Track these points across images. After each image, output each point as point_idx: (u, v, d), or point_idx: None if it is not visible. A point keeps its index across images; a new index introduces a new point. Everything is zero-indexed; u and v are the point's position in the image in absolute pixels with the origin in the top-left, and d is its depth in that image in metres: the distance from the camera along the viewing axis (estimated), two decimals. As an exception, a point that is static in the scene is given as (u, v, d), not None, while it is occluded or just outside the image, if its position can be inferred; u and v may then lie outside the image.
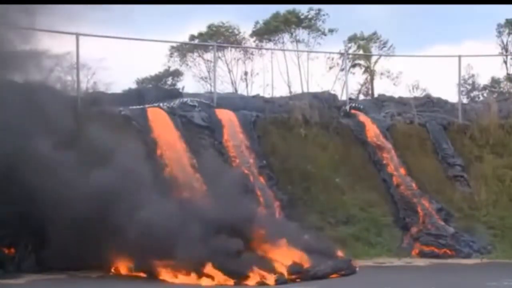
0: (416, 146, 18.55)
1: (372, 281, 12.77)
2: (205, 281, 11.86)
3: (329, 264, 12.98)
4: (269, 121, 17.95)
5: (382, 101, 20.62)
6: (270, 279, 11.95)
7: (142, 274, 12.50)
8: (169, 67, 23.98)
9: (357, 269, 13.50)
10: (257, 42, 24.17)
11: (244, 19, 33.61)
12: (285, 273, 12.24)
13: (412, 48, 36.81)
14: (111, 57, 18.91)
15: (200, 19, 32.96)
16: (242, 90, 22.88)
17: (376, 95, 22.59)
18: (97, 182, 12.34)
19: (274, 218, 15.46)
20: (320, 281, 12.36)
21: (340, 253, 13.98)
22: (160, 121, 16.46)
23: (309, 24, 23.79)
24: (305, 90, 21.43)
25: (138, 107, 16.79)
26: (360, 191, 17.26)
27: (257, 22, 23.74)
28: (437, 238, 16.17)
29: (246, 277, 11.91)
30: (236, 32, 23.90)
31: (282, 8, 23.68)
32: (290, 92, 21.99)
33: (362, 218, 16.65)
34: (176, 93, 18.89)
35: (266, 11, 24.87)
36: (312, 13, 23.89)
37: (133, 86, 21.86)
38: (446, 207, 17.18)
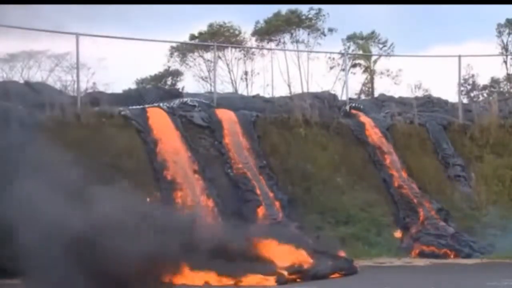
0: (416, 146, 18.56)
1: (372, 281, 12.77)
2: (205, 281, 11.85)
3: (329, 264, 12.97)
4: (269, 121, 17.95)
5: (382, 101, 20.64)
6: (270, 279, 11.94)
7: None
8: (169, 67, 24.00)
9: (358, 269, 13.49)
10: (257, 42, 24.20)
11: (245, 19, 33.71)
12: (285, 273, 12.22)
13: (412, 48, 36.91)
14: (111, 57, 18.98)
15: (201, 19, 33.01)
16: (242, 90, 22.92)
17: (376, 95, 22.62)
18: None
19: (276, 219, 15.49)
20: (320, 281, 12.35)
21: (341, 253, 13.97)
22: (160, 121, 16.47)
23: (310, 24, 23.81)
24: (305, 90, 21.44)
25: (138, 107, 16.81)
26: (360, 191, 17.26)
27: (257, 22, 23.79)
28: (437, 238, 16.16)
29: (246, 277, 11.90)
30: (237, 32, 23.93)
31: (284, 8, 23.77)
32: (290, 92, 22.02)
33: (362, 218, 16.64)
34: (176, 93, 18.92)
35: (267, 11, 24.91)
36: (313, 12, 23.93)
37: (133, 86, 21.94)
38: (446, 207, 17.18)
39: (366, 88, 24.24)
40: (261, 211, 15.66)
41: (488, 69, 24.11)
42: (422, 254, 15.85)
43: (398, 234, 16.54)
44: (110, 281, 10.08)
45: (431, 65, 23.89)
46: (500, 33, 24.62)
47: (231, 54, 23.23)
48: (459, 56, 20.19)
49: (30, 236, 9.97)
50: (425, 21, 32.62)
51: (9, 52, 17.69)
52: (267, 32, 23.66)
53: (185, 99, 17.71)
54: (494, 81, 24.77)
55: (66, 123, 15.43)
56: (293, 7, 23.79)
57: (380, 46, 24.59)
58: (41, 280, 10.02)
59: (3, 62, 17.71)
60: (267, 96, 20.78)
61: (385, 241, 16.26)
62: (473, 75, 24.33)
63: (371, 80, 24.14)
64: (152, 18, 29.40)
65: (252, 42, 24.22)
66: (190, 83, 26.59)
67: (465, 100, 22.40)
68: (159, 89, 19.92)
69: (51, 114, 15.30)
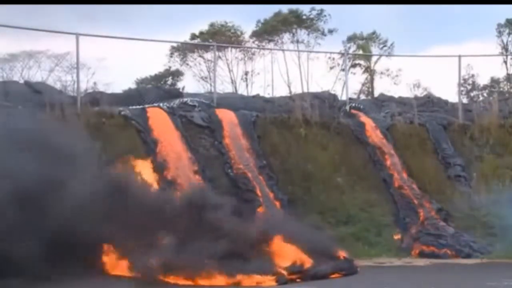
0: (416, 146, 18.56)
1: (372, 281, 12.77)
2: (204, 281, 11.84)
3: (329, 264, 12.97)
4: (269, 121, 17.96)
5: (382, 101, 20.65)
6: (271, 279, 11.93)
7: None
8: (169, 67, 23.99)
9: (358, 269, 13.49)
10: (257, 42, 24.19)
11: (246, 19, 33.77)
12: (285, 273, 12.22)
13: (412, 48, 36.96)
14: (111, 57, 19.01)
15: (201, 19, 33.01)
16: (242, 90, 22.92)
17: (376, 95, 22.63)
18: None
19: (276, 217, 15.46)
20: (320, 281, 12.35)
21: (342, 253, 13.96)
22: (160, 121, 16.47)
23: (310, 24, 23.81)
24: (305, 90, 21.45)
25: (138, 107, 16.81)
26: (360, 191, 17.26)
27: (258, 21, 23.79)
28: (437, 238, 16.16)
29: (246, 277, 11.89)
30: (239, 34, 23.92)
31: (284, 8, 23.78)
32: (290, 92, 22.03)
33: (362, 218, 16.64)
34: (176, 93, 18.92)
35: (268, 11, 24.92)
36: (314, 13, 23.93)
37: (133, 86, 21.95)
38: (446, 207, 17.18)
39: (366, 88, 24.26)
40: (261, 211, 15.65)
41: (488, 69, 24.14)
42: (422, 254, 15.85)
43: (398, 234, 16.54)
44: None
45: (431, 65, 23.91)
46: (500, 33, 24.64)
47: (231, 54, 23.25)
48: (459, 56, 20.20)
49: None
50: (425, 21, 32.64)
51: (9, 52, 17.73)
52: (265, 32, 23.66)
53: (185, 99, 17.71)
54: (494, 81, 24.78)
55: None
56: (294, 7, 23.83)
57: (381, 46, 24.62)
58: None
59: (3, 62, 17.73)
60: (267, 96, 20.82)
61: (385, 241, 16.26)
62: (473, 75, 24.36)
63: (371, 80, 24.16)
64: (152, 18, 29.44)
65: (251, 42, 24.24)
66: (190, 83, 26.67)
67: (465, 100, 22.41)
68: (159, 89, 19.91)
69: (51, 114, 15.30)
